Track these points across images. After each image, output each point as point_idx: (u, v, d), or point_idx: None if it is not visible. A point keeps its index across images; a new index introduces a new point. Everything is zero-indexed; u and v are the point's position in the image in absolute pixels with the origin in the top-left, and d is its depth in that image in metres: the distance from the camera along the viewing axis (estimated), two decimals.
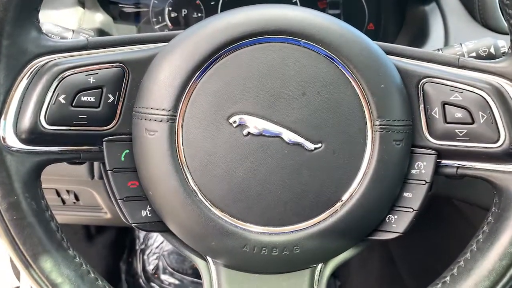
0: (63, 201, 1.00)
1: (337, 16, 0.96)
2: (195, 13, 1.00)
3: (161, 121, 0.54)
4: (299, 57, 0.55)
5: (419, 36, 0.93)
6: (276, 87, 0.55)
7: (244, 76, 0.55)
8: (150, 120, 0.54)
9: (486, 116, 0.55)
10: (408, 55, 0.60)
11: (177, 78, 0.54)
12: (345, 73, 0.55)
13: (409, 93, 0.58)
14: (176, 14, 1.00)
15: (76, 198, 0.99)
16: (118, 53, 0.57)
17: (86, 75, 0.54)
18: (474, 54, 0.66)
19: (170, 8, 1.00)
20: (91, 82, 0.54)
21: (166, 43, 0.57)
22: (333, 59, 0.55)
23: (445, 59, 0.59)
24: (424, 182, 0.58)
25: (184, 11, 1.00)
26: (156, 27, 1.00)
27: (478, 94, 0.55)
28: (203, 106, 0.54)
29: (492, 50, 0.66)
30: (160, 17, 1.00)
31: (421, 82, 0.57)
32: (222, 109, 0.54)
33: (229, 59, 0.55)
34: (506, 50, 0.67)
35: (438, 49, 0.69)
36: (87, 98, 0.54)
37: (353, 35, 0.56)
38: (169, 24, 1.00)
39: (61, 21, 0.93)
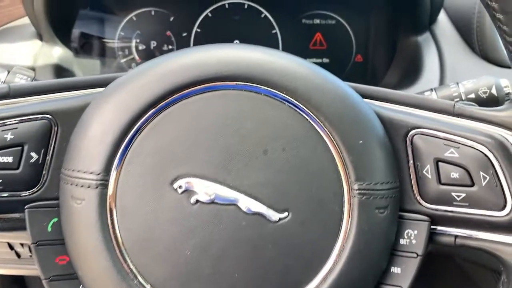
0: (18, 255, 0.90)
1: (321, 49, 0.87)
2: (165, 46, 0.91)
3: (89, 187, 0.44)
4: (259, 107, 0.46)
5: (412, 69, 0.85)
6: (231, 144, 0.45)
7: (192, 131, 0.45)
8: (76, 185, 0.45)
9: (488, 178, 0.45)
10: (393, 100, 0.50)
11: (108, 134, 0.45)
12: (315, 125, 0.46)
13: (395, 148, 0.48)
14: (144, 47, 0.91)
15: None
16: (44, 102, 0.48)
17: (2, 130, 0.45)
18: (473, 95, 0.58)
19: (138, 40, 0.91)
20: (8, 139, 0.46)
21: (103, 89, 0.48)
22: (300, 109, 0.46)
23: (438, 106, 0.50)
24: (415, 255, 0.48)
25: (154, 43, 0.91)
26: (122, 61, 0.91)
27: (478, 150, 0.46)
28: (141, 168, 0.45)
29: (493, 91, 0.58)
30: (126, 50, 0.91)
31: (409, 134, 0.48)
32: (165, 172, 0.45)
33: (174, 110, 0.46)
34: (510, 91, 0.58)
35: (431, 89, 0.60)
36: (2, 159, 0.45)
37: (324, 79, 0.47)
38: (137, 57, 0.91)
39: (16, 55, 0.86)
